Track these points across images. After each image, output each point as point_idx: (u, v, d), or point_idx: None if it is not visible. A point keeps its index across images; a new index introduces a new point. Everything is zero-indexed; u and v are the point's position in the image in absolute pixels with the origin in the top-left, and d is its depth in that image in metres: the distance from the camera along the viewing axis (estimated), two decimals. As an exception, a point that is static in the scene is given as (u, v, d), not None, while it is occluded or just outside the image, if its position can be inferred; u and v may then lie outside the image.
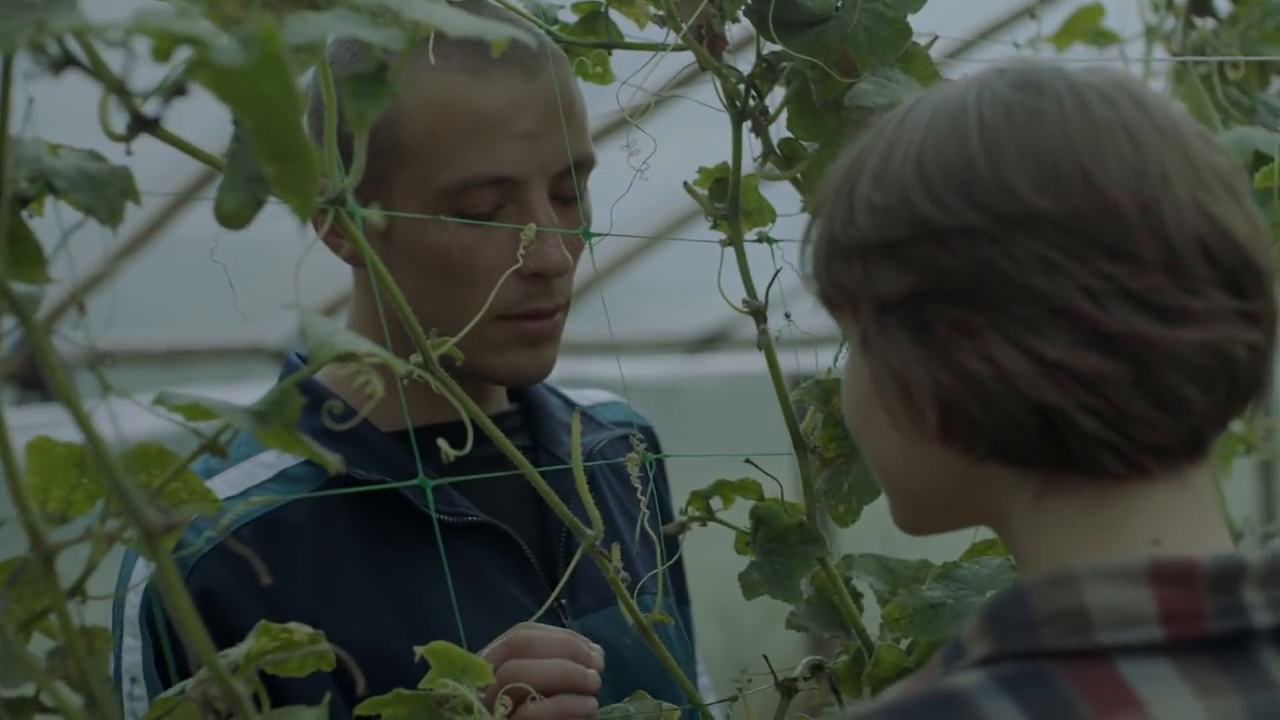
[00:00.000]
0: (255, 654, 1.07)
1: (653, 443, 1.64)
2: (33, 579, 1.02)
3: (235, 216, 1.03)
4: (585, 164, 1.41)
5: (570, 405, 1.59)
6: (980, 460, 0.96)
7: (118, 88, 0.83)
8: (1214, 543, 0.96)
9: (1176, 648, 0.90)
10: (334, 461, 0.97)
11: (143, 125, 1.03)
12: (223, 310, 4.38)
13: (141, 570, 1.36)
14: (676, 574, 1.60)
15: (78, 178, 0.98)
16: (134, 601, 1.37)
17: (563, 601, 1.46)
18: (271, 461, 1.42)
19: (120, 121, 1.05)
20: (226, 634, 1.29)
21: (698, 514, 1.35)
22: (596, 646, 1.28)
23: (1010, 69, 0.98)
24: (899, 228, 0.95)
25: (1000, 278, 0.92)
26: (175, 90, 0.86)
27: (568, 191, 1.41)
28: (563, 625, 1.43)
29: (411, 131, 1.36)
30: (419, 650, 1.14)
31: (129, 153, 1.04)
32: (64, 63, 0.85)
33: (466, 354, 1.27)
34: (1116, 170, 0.92)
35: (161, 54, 0.84)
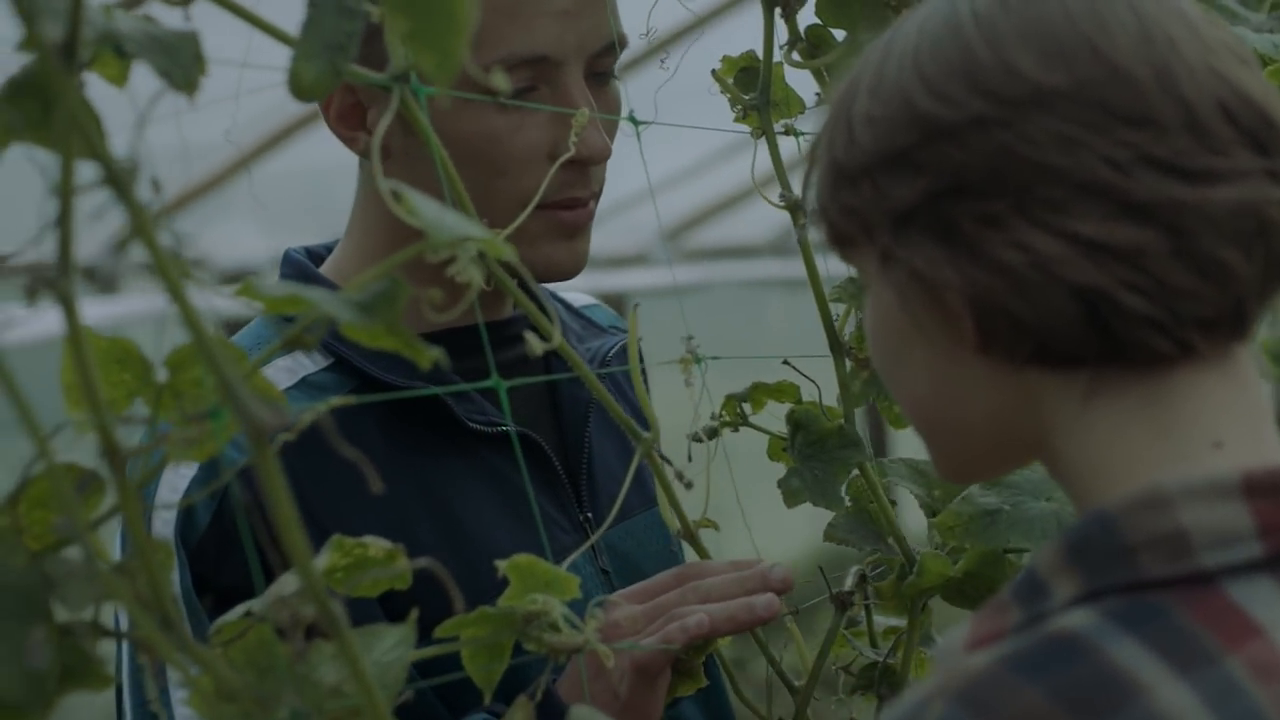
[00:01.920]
0: (327, 571, 0.98)
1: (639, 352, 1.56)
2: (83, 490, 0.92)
3: (314, 88, 0.94)
4: (621, 44, 1.33)
5: (569, 309, 1.51)
6: (1022, 367, 0.91)
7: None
8: (1268, 440, 0.91)
9: (1273, 564, 0.86)
10: (435, 354, 0.89)
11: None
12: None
13: (173, 483, 1.26)
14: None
15: (147, 41, 0.88)
16: (166, 518, 1.26)
17: (588, 514, 1.40)
18: (291, 367, 1.32)
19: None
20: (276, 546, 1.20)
21: (729, 419, 1.28)
22: (782, 568, 1.22)
23: None
24: (904, 133, 0.91)
25: (1019, 162, 0.88)
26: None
27: (601, 68, 1.33)
28: (588, 537, 1.36)
29: None
30: (501, 565, 1.06)
31: (187, 19, 0.95)
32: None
33: None
34: (1122, 38, 0.89)
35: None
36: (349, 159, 1.31)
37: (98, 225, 0.84)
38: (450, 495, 1.31)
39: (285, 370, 1.32)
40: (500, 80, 0.85)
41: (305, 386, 1.32)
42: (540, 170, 1.28)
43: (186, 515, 1.25)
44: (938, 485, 1.33)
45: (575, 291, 1.61)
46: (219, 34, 0.95)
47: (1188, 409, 0.90)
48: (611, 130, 1.35)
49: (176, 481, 1.26)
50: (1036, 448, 0.95)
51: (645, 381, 1.54)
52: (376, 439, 1.31)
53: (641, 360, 1.51)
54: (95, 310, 4.07)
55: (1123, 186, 0.87)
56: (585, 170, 1.32)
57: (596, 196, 1.35)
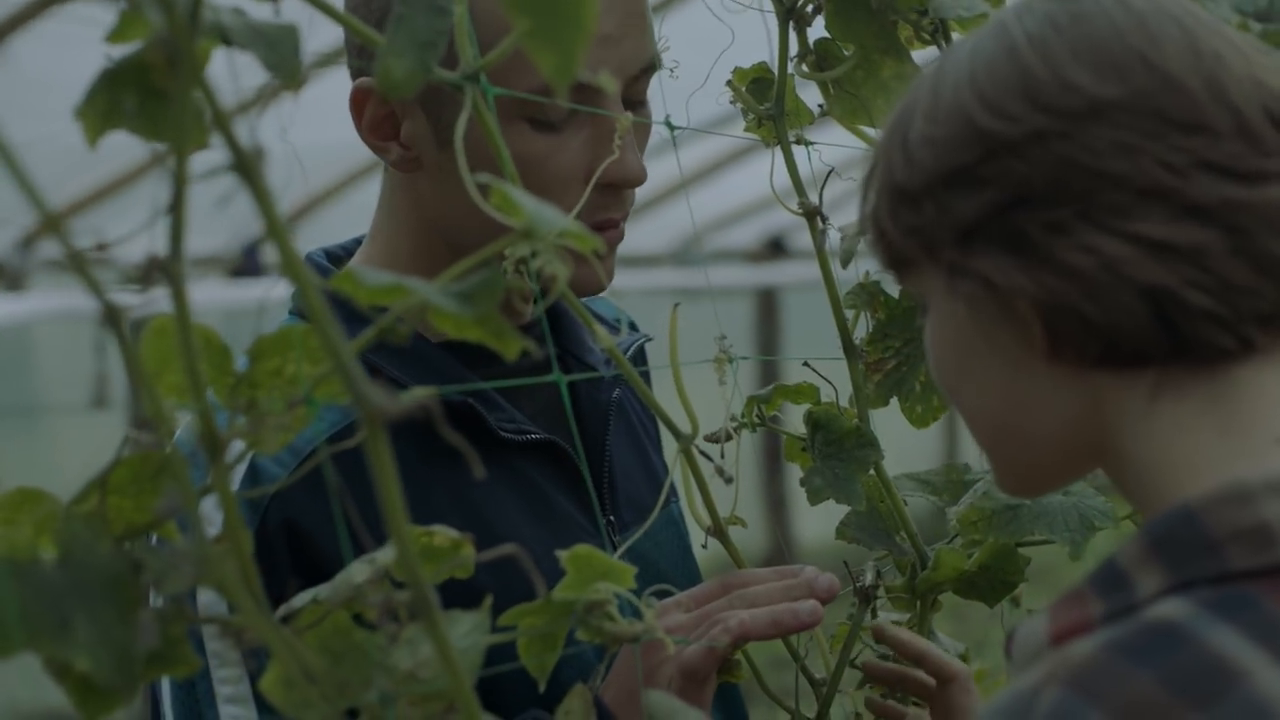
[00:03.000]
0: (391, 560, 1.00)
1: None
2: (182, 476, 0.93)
3: (404, 84, 0.96)
4: (654, 68, 1.35)
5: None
6: (1089, 370, 0.95)
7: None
8: None
9: None
10: (527, 344, 0.92)
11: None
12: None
13: (239, 480, 1.26)
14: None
15: (251, 34, 0.90)
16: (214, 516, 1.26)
17: (610, 518, 1.42)
18: None
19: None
20: (309, 563, 1.22)
21: (751, 420, 1.31)
22: (827, 576, 1.24)
23: None
24: (966, 150, 0.95)
25: (1082, 171, 0.92)
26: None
27: (637, 95, 1.35)
28: (612, 542, 1.39)
29: (484, 29, 1.28)
30: (562, 555, 1.08)
31: (276, 13, 0.97)
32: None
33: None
34: (1172, 50, 0.94)
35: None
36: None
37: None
38: (480, 499, 1.33)
39: None
40: (608, 82, 0.88)
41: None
42: (577, 191, 1.30)
43: (251, 511, 1.26)
44: (944, 490, 1.37)
45: None
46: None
47: (1250, 407, 0.93)
48: (641, 154, 1.37)
49: (242, 479, 1.26)
50: (1101, 453, 0.98)
51: (649, 381, 1.57)
52: (411, 448, 1.32)
53: (645, 362, 1.54)
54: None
55: (1182, 189, 0.91)
56: (619, 193, 1.34)
57: (626, 217, 1.37)
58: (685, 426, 1.19)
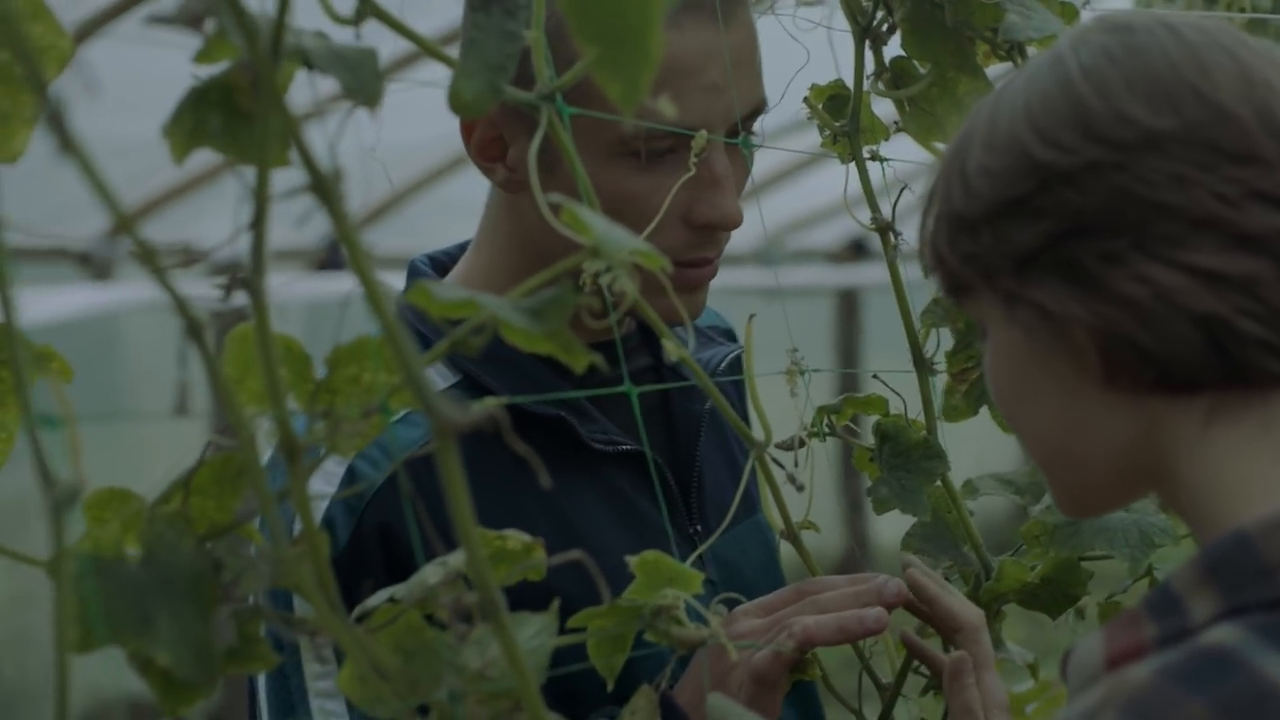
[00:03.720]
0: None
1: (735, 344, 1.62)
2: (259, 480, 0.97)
3: (473, 105, 1.00)
4: (760, 110, 1.39)
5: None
6: (1144, 396, 0.96)
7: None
8: None
9: None
10: (595, 358, 0.95)
11: (373, 10, 1.00)
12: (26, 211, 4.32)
13: (321, 485, 1.31)
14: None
15: (332, 57, 0.94)
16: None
17: (697, 527, 1.45)
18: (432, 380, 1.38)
19: (347, 5, 1.01)
20: (402, 565, 1.26)
21: (821, 429, 1.34)
22: (896, 582, 1.28)
23: (1099, 22, 1.01)
24: (1022, 181, 0.97)
25: (1136, 202, 0.94)
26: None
27: (742, 133, 1.39)
28: (695, 548, 1.42)
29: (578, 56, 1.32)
30: (631, 560, 1.11)
31: (358, 37, 1.01)
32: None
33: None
34: (1225, 82, 0.95)
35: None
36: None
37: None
38: (569, 507, 1.36)
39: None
40: (667, 108, 0.91)
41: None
42: (674, 230, 1.34)
43: (327, 530, 1.30)
44: (1027, 491, 1.39)
45: None
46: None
47: None
48: (740, 194, 1.40)
49: (318, 501, 1.31)
50: (1157, 477, 0.99)
51: (742, 391, 1.60)
52: (505, 456, 1.36)
53: (740, 370, 1.57)
54: (89, 297, 4.11)
55: (1234, 219, 0.93)
56: (714, 233, 1.37)
57: (720, 255, 1.41)
58: (761, 435, 1.23)
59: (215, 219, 4.85)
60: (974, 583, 1.39)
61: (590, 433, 1.41)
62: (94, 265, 4.74)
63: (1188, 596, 0.92)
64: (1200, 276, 0.93)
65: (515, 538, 1.08)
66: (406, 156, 5.15)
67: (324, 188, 0.85)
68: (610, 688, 1.15)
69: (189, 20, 0.77)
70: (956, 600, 1.30)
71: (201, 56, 0.92)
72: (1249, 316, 0.93)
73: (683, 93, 1.31)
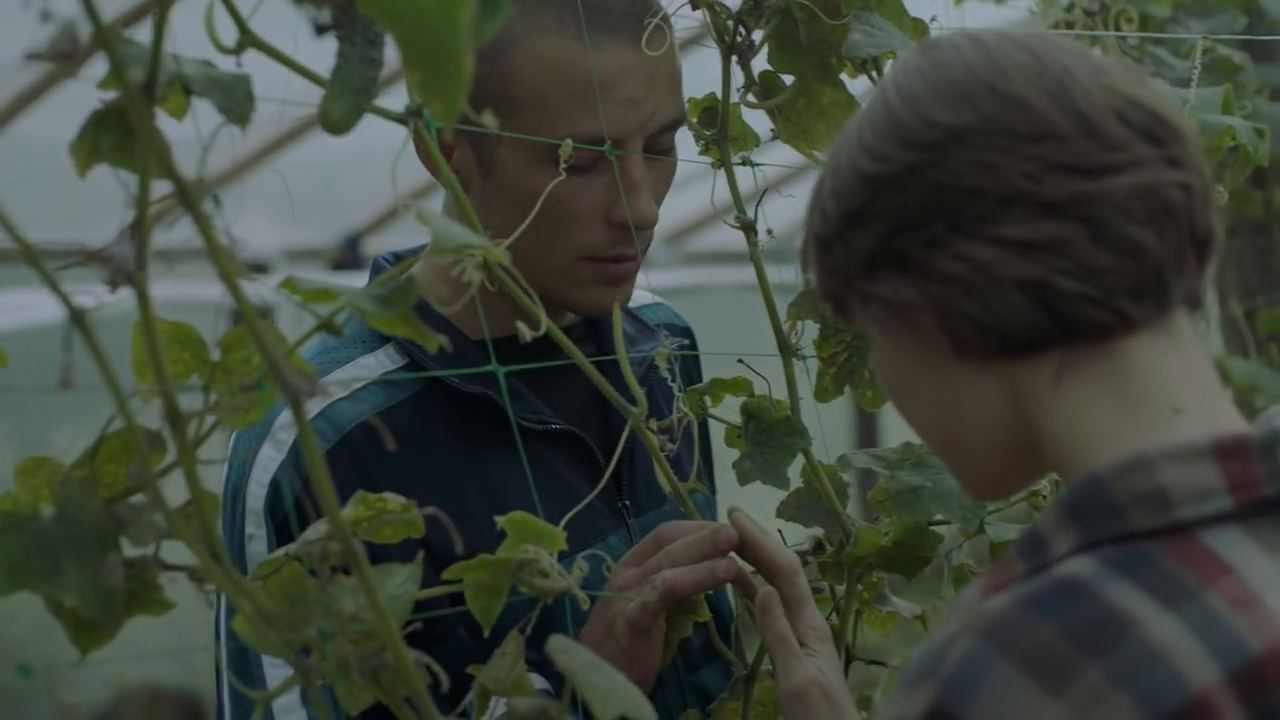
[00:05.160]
0: (354, 521, 1.18)
1: (692, 344, 1.77)
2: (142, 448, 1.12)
3: (341, 124, 1.14)
4: (679, 123, 1.54)
5: (625, 311, 1.71)
6: (997, 363, 1.06)
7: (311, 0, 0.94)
8: (1217, 403, 1.08)
9: (1240, 514, 1.02)
10: (441, 340, 1.10)
11: (252, 41, 1.15)
12: (48, 212, 4.50)
13: (265, 463, 1.48)
14: (707, 470, 1.75)
15: (208, 82, 1.09)
16: (257, 494, 1.48)
17: (626, 502, 1.60)
18: (372, 365, 1.55)
19: (230, 36, 1.16)
20: None
21: (691, 410, 1.48)
22: (726, 528, 1.43)
23: (916, 48, 1.14)
24: (858, 195, 1.09)
25: (950, 192, 1.05)
26: (336, 4, 0.98)
27: (661, 146, 1.54)
28: (627, 524, 1.58)
29: (525, 87, 1.48)
30: (499, 520, 1.26)
31: (239, 65, 1.16)
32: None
33: (553, 288, 1.46)
34: (1018, 75, 1.06)
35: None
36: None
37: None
38: (501, 481, 1.51)
39: (367, 369, 1.54)
40: (488, 120, 1.06)
41: (383, 382, 1.54)
42: (596, 229, 1.51)
43: (275, 492, 1.46)
44: (896, 466, 1.53)
45: (641, 290, 1.81)
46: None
47: (1147, 382, 1.05)
48: (660, 198, 1.55)
49: (268, 463, 1.48)
50: (1037, 448, 1.09)
51: (700, 372, 1.74)
52: (442, 432, 1.53)
53: (695, 347, 1.76)
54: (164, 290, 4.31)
55: (1037, 191, 1.03)
56: (635, 232, 1.52)
57: (644, 252, 1.56)
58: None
59: (233, 213, 5.03)
60: (838, 546, 1.53)
61: (522, 412, 1.54)
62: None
63: (1051, 536, 1.03)
64: (1012, 246, 1.03)
65: (394, 499, 1.22)
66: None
67: (187, 196, 1.00)
68: (486, 633, 1.30)
69: (57, 56, 0.92)
70: (775, 545, 1.44)
71: (102, 84, 1.08)
72: (1065, 275, 1.03)
73: (601, 104, 1.47)
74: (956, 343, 1.07)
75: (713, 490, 1.77)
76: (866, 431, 6.31)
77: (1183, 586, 0.98)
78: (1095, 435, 1.06)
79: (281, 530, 1.47)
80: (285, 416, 1.50)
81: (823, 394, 1.57)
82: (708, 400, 1.52)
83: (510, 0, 1.44)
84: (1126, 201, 1.04)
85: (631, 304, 1.76)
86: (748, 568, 1.46)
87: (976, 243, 1.05)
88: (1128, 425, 1.05)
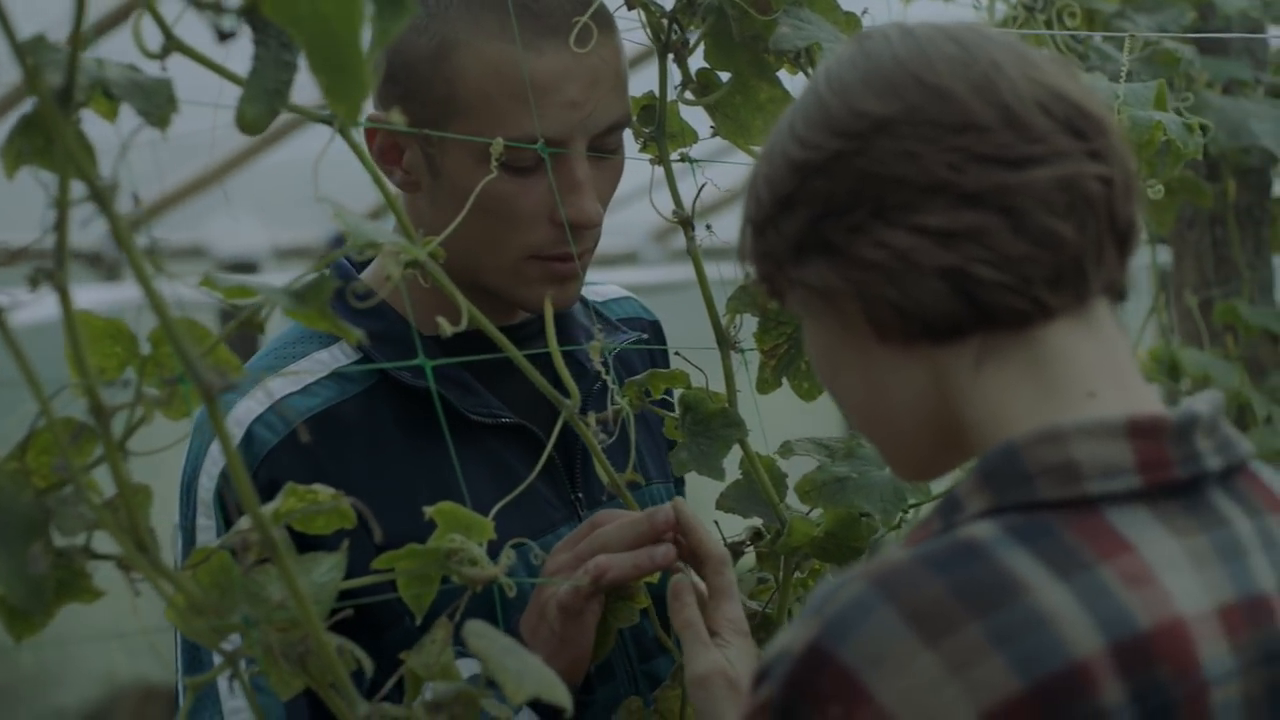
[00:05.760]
0: (284, 511, 1.21)
1: (659, 338, 1.80)
2: (77, 440, 1.16)
3: (255, 124, 1.18)
4: (624, 123, 1.57)
5: (586, 305, 1.74)
6: (919, 347, 1.09)
7: (213, 7, 0.97)
8: (1133, 387, 1.10)
9: (1149, 494, 1.05)
10: (357, 334, 1.13)
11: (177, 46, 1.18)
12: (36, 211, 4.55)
13: (216, 455, 1.51)
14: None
15: (130, 86, 1.12)
16: (208, 485, 1.52)
17: (579, 494, 1.63)
18: (326, 360, 1.58)
19: (154, 40, 1.20)
20: None
21: (630, 402, 1.51)
22: (664, 510, 1.46)
23: (850, 39, 1.16)
24: (788, 182, 1.11)
25: (873, 179, 1.07)
26: (247, 10, 1.01)
27: (607, 147, 1.57)
28: (579, 516, 1.60)
29: (468, 89, 1.51)
30: (428, 510, 1.29)
31: (163, 69, 1.19)
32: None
33: (503, 286, 1.53)
34: (944, 66, 1.08)
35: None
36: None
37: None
38: (450, 474, 1.52)
39: (320, 363, 1.58)
40: (397, 118, 1.09)
41: (335, 376, 1.57)
42: (541, 228, 1.54)
43: (225, 482, 1.50)
44: (837, 455, 1.56)
45: (611, 284, 1.86)
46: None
47: (1064, 368, 1.07)
48: (606, 197, 1.58)
49: (219, 456, 1.51)
50: (959, 431, 1.11)
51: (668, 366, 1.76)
52: (393, 426, 1.56)
53: (663, 340, 1.79)
54: (98, 295, 4.35)
55: (958, 182, 1.05)
56: (576, 231, 1.55)
57: (590, 250, 1.59)
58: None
59: (222, 218, 5.10)
60: (774, 536, 1.56)
61: (471, 407, 1.58)
62: (103, 264, 5.00)
63: (966, 500, 1.06)
64: (933, 235, 1.06)
65: (323, 491, 1.25)
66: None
67: (100, 198, 1.03)
68: (419, 621, 1.33)
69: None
70: (707, 535, 1.47)
71: (29, 90, 1.11)
72: (984, 264, 1.05)
73: (543, 108, 1.50)
74: (879, 327, 1.09)
75: (678, 483, 1.80)
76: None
77: (1078, 559, 1.01)
78: (1013, 418, 1.08)
79: (231, 522, 1.50)
80: (238, 410, 1.53)
81: (763, 386, 1.60)
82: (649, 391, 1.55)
83: (456, 5, 1.50)
84: (1046, 193, 1.06)
85: (597, 299, 1.79)
86: None
87: (898, 230, 1.07)
88: (1044, 408, 1.07)
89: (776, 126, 1.16)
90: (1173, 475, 1.06)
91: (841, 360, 1.14)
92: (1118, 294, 1.13)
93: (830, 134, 1.10)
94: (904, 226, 1.07)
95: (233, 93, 1.17)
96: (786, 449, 1.60)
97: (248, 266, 5.10)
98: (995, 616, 0.98)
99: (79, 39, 1.05)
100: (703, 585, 1.47)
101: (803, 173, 1.11)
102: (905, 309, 1.08)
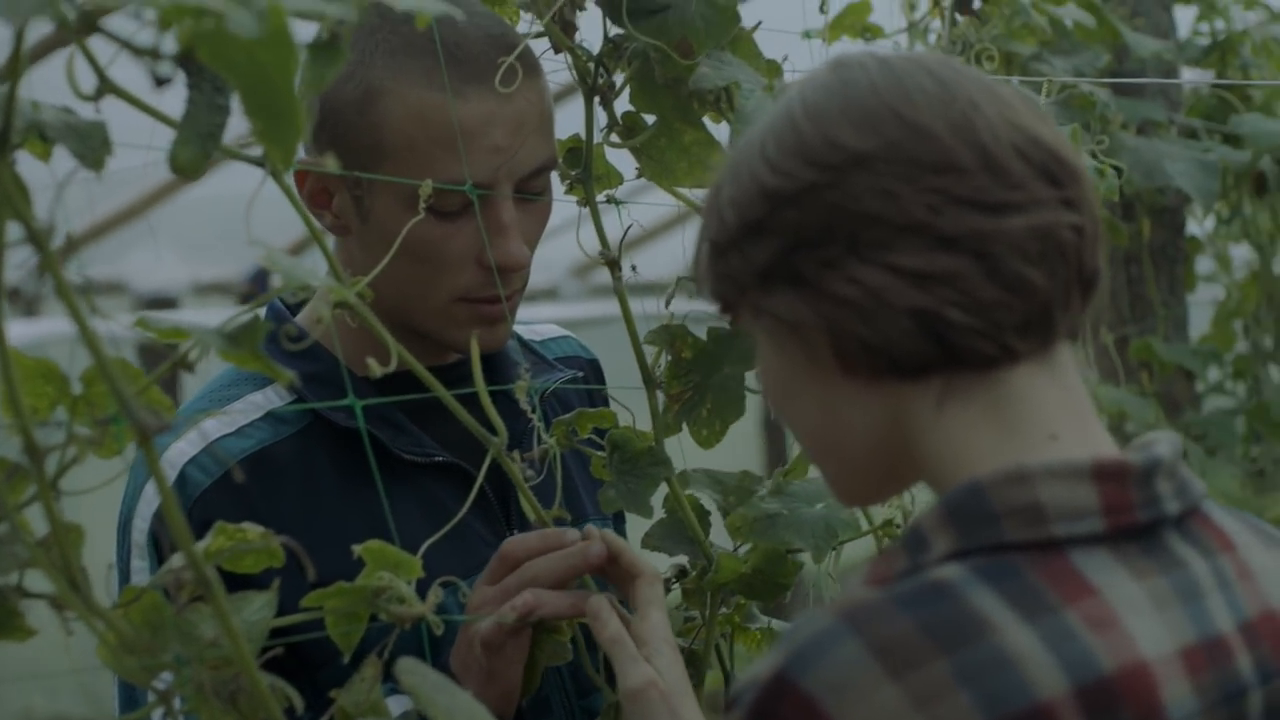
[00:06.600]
0: (214, 550, 1.22)
1: (598, 376, 1.82)
2: (10, 479, 1.16)
3: (189, 167, 1.19)
4: (550, 166, 1.59)
5: (525, 345, 1.76)
6: (883, 383, 1.09)
7: (150, 53, 0.99)
8: (1093, 431, 1.11)
9: (1110, 537, 1.06)
10: (289, 376, 1.14)
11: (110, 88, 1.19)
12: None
13: (150, 496, 1.51)
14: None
15: (64, 129, 1.13)
16: (141, 527, 1.53)
17: (514, 531, 1.64)
18: (261, 402, 1.59)
19: (89, 82, 1.20)
20: None
21: (558, 441, 1.53)
22: (597, 545, 1.47)
23: (827, 63, 1.16)
24: (757, 207, 1.11)
25: (848, 214, 1.07)
26: (182, 56, 1.02)
27: (534, 189, 1.58)
28: None
29: (395, 135, 1.52)
30: (356, 549, 1.30)
31: (97, 111, 1.20)
32: (88, 29, 1.00)
33: (434, 328, 1.55)
34: (924, 103, 1.08)
35: (167, 22, 1.00)
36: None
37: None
38: (384, 514, 1.52)
39: (255, 405, 1.59)
40: (331, 164, 1.11)
41: (270, 418, 1.58)
42: (469, 271, 1.56)
43: (159, 523, 1.50)
44: (732, 492, 1.58)
45: (549, 324, 1.88)
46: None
47: (1026, 409, 1.08)
48: (534, 239, 1.60)
49: (153, 497, 1.52)
50: (911, 461, 1.11)
51: (606, 404, 1.78)
52: (327, 467, 1.57)
53: (602, 379, 1.81)
54: (18, 330, 4.35)
55: (934, 223, 1.05)
56: (506, 274, 1.57)
57: (518, 292, 1.61)
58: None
59: (142, 253, 5.08)
60: (700, 572, 1.58)
61: (403, 446, 1.59)
62: (22, 299, 4.97)
63: (931, 535, 1.06)
64: (906, 275, 1.06)
65: (252, 530, 1.26)
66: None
67: (38, 240, 1.04)
68: (346, 659, 1.34)
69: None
70: (635, 554, 1.48)
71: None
72: (955, 307, 1.05)
73: (469, 153, 1.52)
74: (844, 361, 1.10)
75: (616, 518, 1.80)
76: (775, 449, 6.40)
77: (1044, 601, 1.02)
78: (976, 458, 1.09)
79: (164, 562, 1.50)
80: (171, 452, 1.54)
81: (666, 430, 1.61)
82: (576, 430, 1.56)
83: (380, 53, 1.52)
84: (1022, 240, 1.06)
85: (534, 337, 1.82)
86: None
87: (871, 268, 1.07)
88: (1007, 449, 1.08)
89: (744, 144, 1.15)
90: (1134, 519, 1.07)
91: (798, 387, 1.14)
92: (1073, 334, 1.14)
93: (804, 163, 1.09)
94: (878, 264, 1.07)
95: (164, 132, 1.18)
96: (683, 479, 1.61)
97: (167, 302, 5.10)
98: (962, 654, 0.99)
99: (16, 82, 1.06)
100: (618, 607, 1.48)
101: (773, 201, 1.10)
102: (873, 346, 1.08)
